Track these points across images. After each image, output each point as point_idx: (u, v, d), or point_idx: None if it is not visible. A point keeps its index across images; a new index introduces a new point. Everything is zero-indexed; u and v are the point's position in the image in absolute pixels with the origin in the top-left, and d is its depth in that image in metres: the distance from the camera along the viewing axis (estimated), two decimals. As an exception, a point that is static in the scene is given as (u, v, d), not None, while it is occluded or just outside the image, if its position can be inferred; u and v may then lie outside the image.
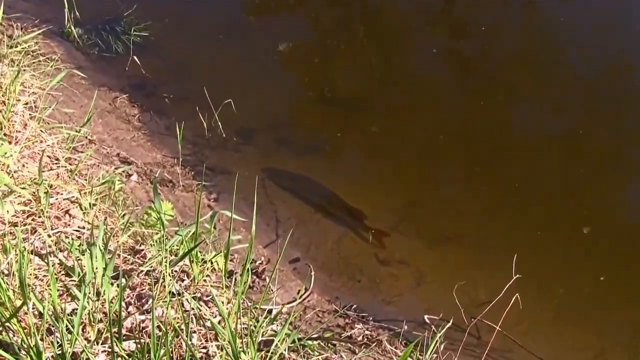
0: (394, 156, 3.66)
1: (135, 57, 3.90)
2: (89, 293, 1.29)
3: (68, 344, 1.16)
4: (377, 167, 3.61)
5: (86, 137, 3.08)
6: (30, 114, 2.47)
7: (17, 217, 1.64)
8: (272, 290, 2.50)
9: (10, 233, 1.52)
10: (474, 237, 3.10)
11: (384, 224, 3.17)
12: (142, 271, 1.62)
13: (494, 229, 3.17)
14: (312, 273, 2.82)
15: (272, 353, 1.42)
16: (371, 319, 2.47)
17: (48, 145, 2.37)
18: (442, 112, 3.88)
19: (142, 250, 1.80)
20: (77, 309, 1.23)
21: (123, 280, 1.38)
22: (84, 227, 1.81)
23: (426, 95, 4.00)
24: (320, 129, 3.86)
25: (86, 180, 2.33)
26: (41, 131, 2.46)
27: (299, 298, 2.45)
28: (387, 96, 4.04)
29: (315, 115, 3.96)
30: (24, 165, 2.04)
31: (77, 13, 3.98)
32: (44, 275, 1.43)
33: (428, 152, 3.66)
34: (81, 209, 2.02)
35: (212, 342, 1.40)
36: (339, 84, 4.14)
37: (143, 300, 1.49)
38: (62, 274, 1.47)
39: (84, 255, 1.42)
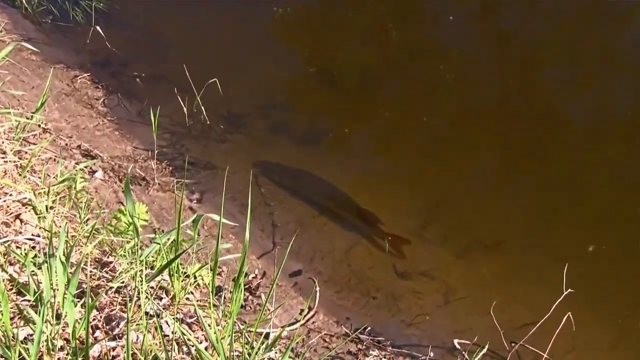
0: (414, 146, 3.61)
1: (98, 28, 3.86)
2: (48, 315, 1.25)
3: (22, 377, 1.13)
4: (394, 159, 3.56)
5: (40, 126, 3.05)
6: (-35, 97, 2.45)
7: (-48, 224, 1.59)
8: (269, 310, 2.49)
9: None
10: (514, 244, 3.05)
11: (403, 229, 3.16)
12: (111, 288, 1.61)
13: (539, 234, 3.11)
14: (317, 289, 2.70)
15: (271, 387, 1.39)
16: (389, 344, 2.47)
17: (-8, 135, 2.38)
18: (474, 90, 3.80)
19: (111, 262, 1.81)
20: (33, 335, 1.21)
21: (89, 299, 1.35)
22: (39, 235, 1.81)
23: (454, 70, 3.91)
24: (325, 113, 3.84)
25: (41, 178, 2.31)
26: (-18, 118, 2.47)
27: (302, 319, 2.46)
28: (404, 73, 3.98)
29: (319, 96, 3.93)
30: (-41, 161, 2.06)
31: (24, -28, 4.01)
32: (-9, 294, 1.40)
33: (457, 141, 3.57)
34: (35, 212, 2.00)
35: (199, 373, 1.37)
36: (346, 58, 4.08)
37: (113, 324, 1.47)
38: (14, 293, 1.44)
39: (40, 269, 1.40)
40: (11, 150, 2.39)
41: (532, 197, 3.29)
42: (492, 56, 4.06)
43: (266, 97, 3.94)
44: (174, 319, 1.67)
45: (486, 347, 2.42)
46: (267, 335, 2.24)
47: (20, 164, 2.35)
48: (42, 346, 1.27)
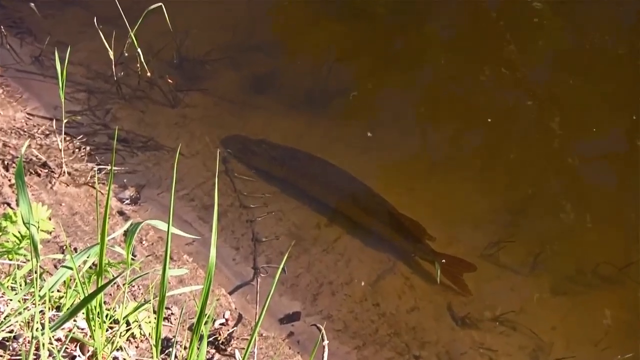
0: (484, 113, 3.62)
1: None
2: None
3: None
4: (449, 134, 3.58)
5: None
6: None
7: None
8: (248, 378, 2.52)
9: None
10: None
11: (465, 248, 3.19)
12: (-7, 340, 1.58)
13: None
14: (325, 343, 2.72)
15: None
16: None
17: None
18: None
19: (-7, 299, 1.80)
20: None
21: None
22: None
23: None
24: (338, 58, 3.79)
25: None
26: None
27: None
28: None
29: (327, 30, 3.92)
30: None
31: None
32: None
33: (564, 107, 3.66)
34: None
35: None
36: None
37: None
38: None
39: None
40: None
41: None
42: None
43: (242, 32, 3.96)
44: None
45: None
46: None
47: None
48: None
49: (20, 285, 1.92)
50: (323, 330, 2.83)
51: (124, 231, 1.98)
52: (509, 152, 3.56)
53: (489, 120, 3.68)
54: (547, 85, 3.89)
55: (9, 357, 1.70)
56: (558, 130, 3.68)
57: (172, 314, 2.63)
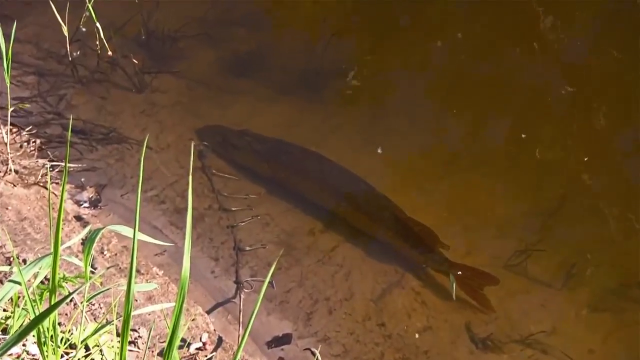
0: (516, 98, 3.69)
1: None
2: None
3: None
4: (466, 126, 3.62)
5: None
6: None
7: None
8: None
9: None
10: None
11: (485, 257, 3.20)
12: None
13: None
14: None
15: None
16: None
17: None
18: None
19: None
20: None
21: None
22: None
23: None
24: (329, 30, 3.79)
25: None
26: None
27: None
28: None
29: None
30: None
31: None
32: None
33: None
34: None
35: None
36: None
37: None
38: None
39: None
40: None
41: None
42: None
43: (220, 3, 3.97)
44: None
45: None
46: None
47: None
48: None
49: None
50: (318, 355, 2.84)
51: (82, 239, 1.98)
52: (539, 145, 3.56)
53: (516, 107, 3.69)
54: (586, 66, 3.91)
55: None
56: (599, 119, 3.71)
57: (139, 336, 2.59)
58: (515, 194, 3.39)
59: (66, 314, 2.43)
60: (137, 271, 2.85)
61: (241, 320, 2.92)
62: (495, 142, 3.56)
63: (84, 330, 2.04)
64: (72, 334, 2.03)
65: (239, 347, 1.59)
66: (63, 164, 3.27)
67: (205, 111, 3.63)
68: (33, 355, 1.98)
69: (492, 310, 3.05)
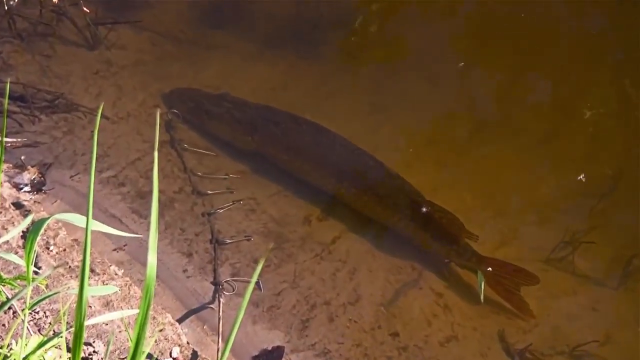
0: (540, 54, 3.70)
1: None
2: None
3: None
4: (497, 87, 3.65)
5: None
6: None
7: None
8: None
9: None
10: None
11: (522, 250, 3.20)
12: None
13: None
14: None
15: None
16: None
17: None
18: None
19: None
20: None
21: None
22: None
23: None
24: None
25: None
26: None
27: None
28: None
29: None
30: None
31: None
32: None
33: None
34: None
35: None
36: None
37: None
38: None
39: None
40: None
41: None
42: None
43: None
44: None
45: None
46: None
47: None
48: None
49: None
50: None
51: (22, 231, 1.92)
52: (588, 109, 3.56)
53: (560, 62, 3.67)
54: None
55: None
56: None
57: (94, 351, 2.56)
58: (558, 170, 3.40)
59: (3, 325, 2.42)
60: (92, 271, 2.81)
61: (221, 330, 2.89)
62: (533, 106, 3.57)
63: (25, 345, 1.98)
64: (11, 349, 2.01)
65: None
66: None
67: (174, 71, 3.63)
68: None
69: (532, 315, 3.04)
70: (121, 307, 2.76)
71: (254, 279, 1.45)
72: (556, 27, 3.77)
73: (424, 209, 3.24)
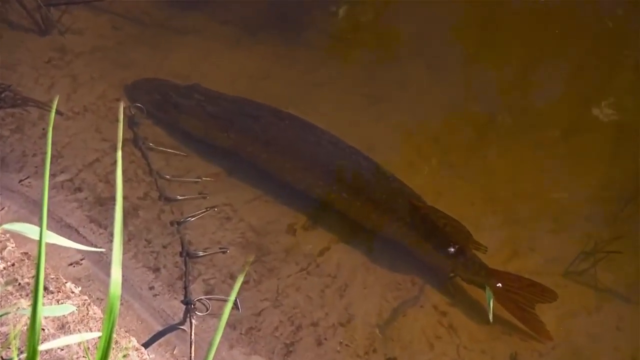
0: (557, 38, 3.74)
1: None
2: None
3: None
4: (509, 76, 3.69)
5: None
6: None
7: None
8: None
9: None
10: None
11: (538, 262, 3.20)
12: None
13: None
14: None
15: None
16: None
17: None
18: None
19: None
20: None
21: None
22: None
23: None
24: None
25: None
26: None
27: None
28: None
29: None
30: None
31: None
32: None
33: None
34: None
35: None
36: None
37: None
38: None
39: None
40: None
41: None
42: None
43: None
44: None
45: None
46: None
47: None
48: None
49: None
50: (304, 407, 2.82)
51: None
52: (611, 102, 3.58)
53: (579, 49, 3.69)
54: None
55: None
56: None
57: (46, 381, 2.56)
58: (578, 170, 3.41)
59: None
60: (45, 288, 2.78)
61: (192, 356, 2.86)
62: (550, 99, 3.57)
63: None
64: None
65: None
66: None
67: (138, 59, 3.63)
68: None
69: (548, 336, 3.02)
70: (79, 329, 2.73)
71: (232, 298, 1.42)
72: (575, 11, 3.81)
73: (425, 216, 3.21)
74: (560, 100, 3.54)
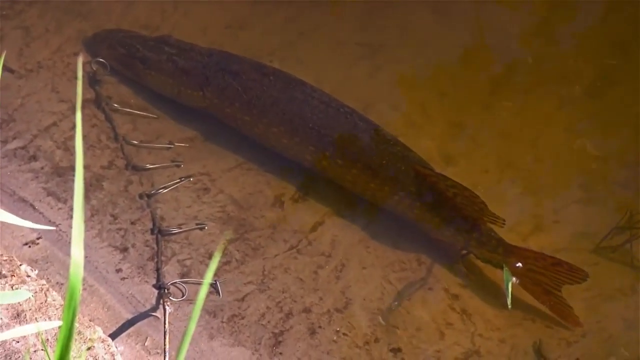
0: None
1: None
2: None
3: None
4: (528, 21, 3.60)
5: None
6: None
7: None
8: None
9: None
10: None
11: (564, 237, 3.06)
12: None
13: None
14: None
15: None
16: None
17: None
18: None
19: None
20: None
21: None
22: None
23: None
24: None
25: None
26: None
27: None
28: None
29: None
30: None
31: None
32: None
33: None
34: None
35: None
36: None
37: None
38: None
39: None
40: None
41: None
42: None
43: None
44: None
45: None
46: None
47: None
48: None
49: None
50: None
51: None
52: None
53: None
54: None
55: None
56: None
57: (-1, 381, 2.64)
58: (611, 130, 3.25)
59: None
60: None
61: (167, 348, 2.72)
62: (577, 42, 3.43)
63: None
64: None
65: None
66: None
67: (99, 7, 3.50)
68: None
69: (577, 322, 2.89)
70: (36, 318, 2.62)
71: (208, 280, 1.35)
72: None
73: (434, 185, 3.07)
74: (590, 43, 3.44)
